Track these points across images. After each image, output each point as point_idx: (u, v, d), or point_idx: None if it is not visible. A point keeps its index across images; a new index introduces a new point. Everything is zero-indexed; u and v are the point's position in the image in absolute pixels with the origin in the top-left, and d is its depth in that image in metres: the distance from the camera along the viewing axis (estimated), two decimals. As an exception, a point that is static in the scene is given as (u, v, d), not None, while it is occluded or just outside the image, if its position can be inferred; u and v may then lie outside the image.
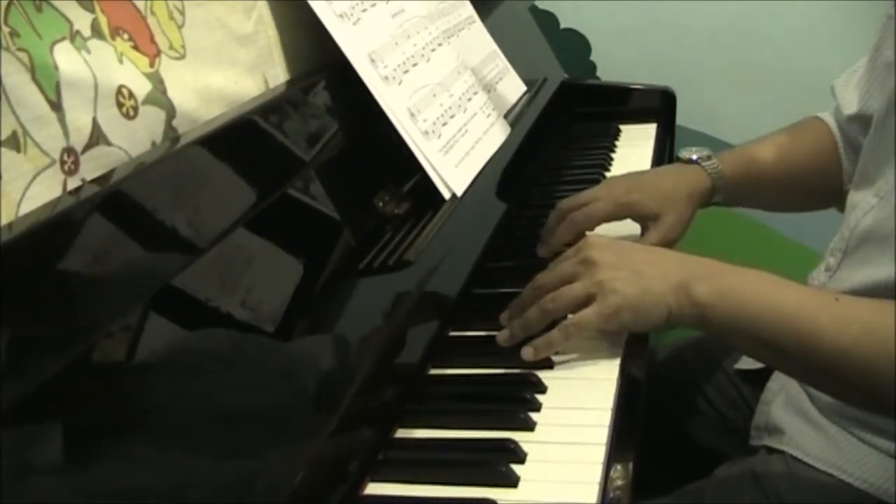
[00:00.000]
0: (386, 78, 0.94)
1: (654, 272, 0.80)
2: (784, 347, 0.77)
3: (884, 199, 0.87)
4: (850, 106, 1.05)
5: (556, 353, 0.83)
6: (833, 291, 0.86)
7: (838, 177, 1.08)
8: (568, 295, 0.82)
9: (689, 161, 1.09)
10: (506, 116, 1.20)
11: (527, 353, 0.81)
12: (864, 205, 0.91)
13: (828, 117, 1.11)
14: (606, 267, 0.81)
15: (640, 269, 0.81)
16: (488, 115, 1.13)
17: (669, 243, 0.99)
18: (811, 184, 1.11)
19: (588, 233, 1.01)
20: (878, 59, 0.98)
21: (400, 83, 0.96)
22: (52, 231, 0.56)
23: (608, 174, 1.31)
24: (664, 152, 1.43)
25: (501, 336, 0.84)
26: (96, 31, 0.69)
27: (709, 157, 1.08)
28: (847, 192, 0.98)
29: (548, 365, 0.82)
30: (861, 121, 1.01)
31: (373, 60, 0.94)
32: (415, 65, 1.01)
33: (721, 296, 0.78)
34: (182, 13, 0.79)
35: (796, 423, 0.91)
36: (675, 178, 1.07)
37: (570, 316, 0.82)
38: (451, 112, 1.04)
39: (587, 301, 0.81)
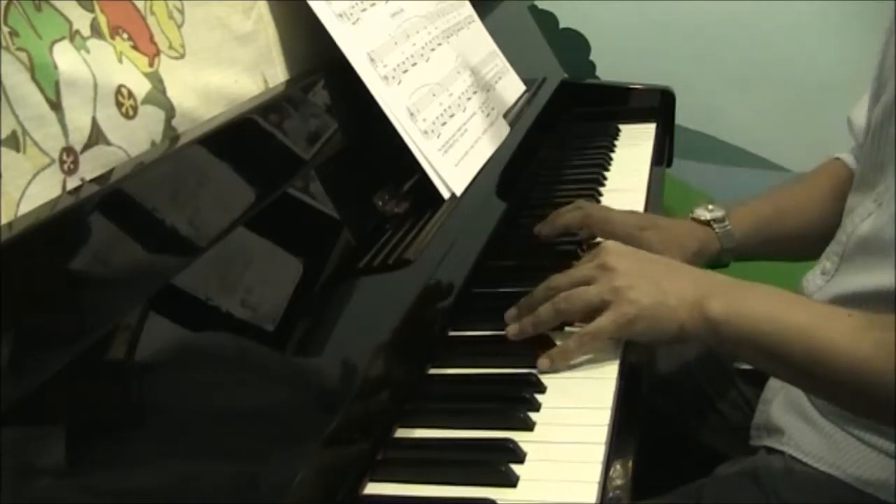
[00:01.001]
0: (385, 77, 0.94)
1: (670, 286, 0.81)
2: (797, 363, 0.77)
3: (882, 206, 0.87)
4: (864, 130, 1.03)
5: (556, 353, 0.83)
6: (843, 308, 0.85)
7: None
8: (583, 298, 0.82)
9: (702, 222, 1.08)
10: (505, 116, 1.20)
11: (543, 364, 0.81)
12: (861, 210, 0.90)
13: (846, 157, 1.10)
14: (624, 274, 0.81)
15: (657, 281, 0.81)
16: (488, 115, 1.13)
17: None
18: (827, 231, 1.07)
19: (604, 240, 1.01)
20: (882, 72, 0.98)
21: (399, 83, 0.96)
22: (51, 230, 0.56)
23: (607, 174, 1.31)
24: (663, 152, 1.44)
25: (511, 330, 0.85)
26: (96, 31, 0.69)
27: (722, 220, 1.07)
28: None
29: (547, 365, 0.82)
30: None
31: (372, 60, 0.94)
32: (414, 64, 1.01)
33: (734, 313, 0.78)
34: (181, 13, 0.79)
35: (796, 422, 0.91)
36: (688, 231, 1.06)
37: (580, 325, 0.82)
38: (451, 112, 1.04)
39: (601, 306, 0.81)
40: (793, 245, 1.11)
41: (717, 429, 1.09)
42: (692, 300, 0.79)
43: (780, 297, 0.80)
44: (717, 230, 1.07)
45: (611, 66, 1.89)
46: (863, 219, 0.90)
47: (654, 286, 0.81)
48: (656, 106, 1.54)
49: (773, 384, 0.98)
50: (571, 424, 0.74)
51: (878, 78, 0.98)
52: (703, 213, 1.08)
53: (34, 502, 0.47)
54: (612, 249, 0.85)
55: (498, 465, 0.68)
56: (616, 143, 1.44)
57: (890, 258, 0.84)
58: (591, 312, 0.82)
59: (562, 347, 0.81)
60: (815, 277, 0.96)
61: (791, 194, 1.13)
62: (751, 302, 0.79)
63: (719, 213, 1.08)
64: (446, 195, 0.96)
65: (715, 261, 1.08)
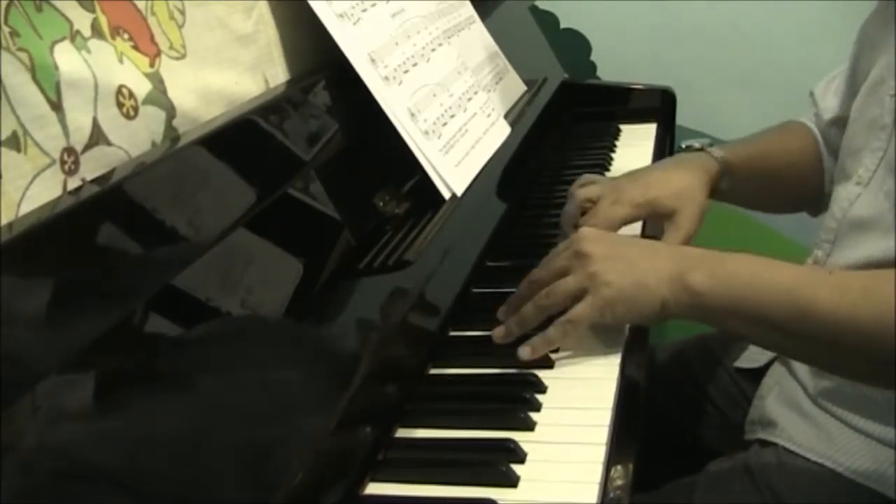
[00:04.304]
0: (386, 78, 0.94)
1: (647, 265, 0.81)
2: (784, 325, 0.77)
3: (868, 187, 0.89)
4: (831, 110, 1.08)
5: (556, 352, 0.83)
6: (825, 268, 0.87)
7: (818, 179, 1.11)
8: (562, 289, 0.82)
9: (695, 149, 1.09)
10: (506, 116, 1.20)
11: (524, 352, 0.81)
12: (846, 194, 0.93)
13: (808, 122, 1.13)
14: (599, 259, 0.81)
15: (633, 261, 0.81)
16: (488, 115, 1.13)
17: (690, 240, 0.99)
18: (793, 183, 1.13)
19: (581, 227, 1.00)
20: (855, 69, 1.01)
21: (400, 83, 0.96)
22: (52, 231, 0.56)
23: (608, 174, 1.31)
24: (664, 152, 1.43)
25: (497, 333, 0.84)
26: (96, 31, 0.69)
27: (712, 146, 1.09)
28: (829, 194, 1.00)
29: (548, 365, 0.82)
30: (841, 123, 1.03)
31: (373, 60, 0.94)
32: (415, 65, 1.01)
33: (717, 281, 0.78)
34: (182, 13, 0.79)
35: (789, 415, 0.92)
36: (684, 169, 1.05)
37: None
38: (452, 112, 1.04)
39: (581, 294, 0.81)
40: (769, 187, 1.13)
41: (716, 426, 1.09)
42: (671, 276, 0.79)
43: (759, 262, 0.80)
44: (713, 154, 1.07)
45: (611, 67, 1.90)
46: (850, 202, 0.92)
47: (630, 267, 0.81)
48: (657, 106, 1.54)
49: (768, 380, 0.99)
50: (572, 425, 0.74)
51: (851, 75, 1.00)
52: (694, 143, 1.10)
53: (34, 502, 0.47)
54: (586, 236, 0.85)
55: (499, 465, 0.68)
56: (617, 143, 1.44)
57: (876, 231, 0.86)
58: (574, 301, 0.82)
59: (543, 336, 0.81)
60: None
61: (770, 140, 1.15)
62: (733, 269, 0.79)
63: (707, 141, 1.10)
64: (447, 195, 0.96)
65: (716, 185, 1.07)
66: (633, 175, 1.06)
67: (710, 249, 0.82)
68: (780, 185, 1.13)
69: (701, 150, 1.09)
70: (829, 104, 1.09)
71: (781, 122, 1.17)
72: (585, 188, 1.03)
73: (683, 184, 1.02)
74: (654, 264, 0.81)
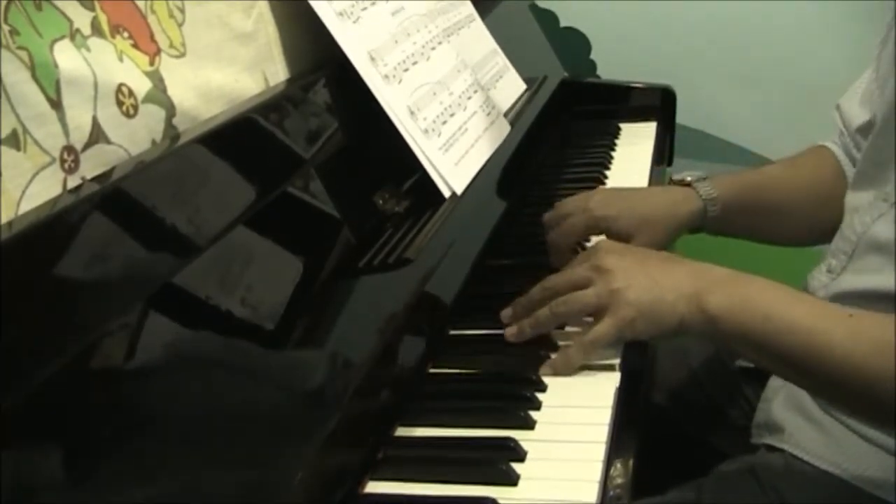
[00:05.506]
0: (386, 76, 0.94)
1: (668, 281, 0.80)
2: (795, 360, 0.77)
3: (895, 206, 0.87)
4: (860, 117, 1.03)
5: (556, 350, 0.83)
6: (845, 307, 0.85)
7: (834, 209, 1.05)
8: (580, 301, 0.82)
9: (682, 183, 1.07)
10: (506, 115, 1.20)
11: (545, 373, 0.81)
12: (870, 209, 0.90)
13: (832, 146, 1.09)
14: (620, 276, 0.81)
15: (654, 277, 0.81)
16: (488, 114, 1.13)
17: None
18: (809, 214, 1.09)
19: (601, 237, 1.00)
20: (881, 65, 0.98)
21: (400, 81, 0.96)
22: (51, 229, 0.56)
23: (608, 172, 1.31)
24: (664, 151, 1.43)
25: (510, 332, 0.85)
26: (96, 30, 0.69)
27: (703, 179, 1.06)
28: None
29: (548, 363, 0.82)
30: (871, 130, 1.00)
31: (373, 59, 0.94)
32: (415, 63, 1.01)
33: (733, 307, 0.78)
34: (182, 11, 0.79)
35: (796, 420, 0.91)
36: (659, 200, 1.05)
37: (582, 328, 0.82)
38: (451, 110, 1.04)
39: (599, 309, 0.81)
40: (772, 221, 1.11)
41: (721, 428, 1.09)
42: (690, 294, 0.79)
43: (779, 293, 0.80)
44: (698, 189, 1.05)
45: (611, 65, 1.90)
46: (874, 219, 0.89)
47: (651, 283, 0.80)
48: (657, 105, 1.54)
49: (775, 383, 0.98)
50: (572, 423, 0.74)
51: (878, 76, 0.98)
52: (683, 176, 1.07)
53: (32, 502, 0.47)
54: (607, 248, 0.85)
55: (498, 463, 0.68)
56: (617, 141, 1.44)
57: None
58: (590, 314, 0.82)
59: (563, 355, 0.81)
60: (820, 275, 0.96)
61: (777, 170, 1.12)
62: (751, 296, 0.79)
63: (700, 174, 1.06)
64: (447, 194, 0.96)
65: (695, 223, 1.05)
66: (611, 189, 1.04)
67: (732, 271, 0.82)
68: (787, 217, 1.10)
69: (688, 185, 1.06)
70: (857, 111, 1.04)
71: (803, 150, 1.12)
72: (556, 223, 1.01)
73: (649, 215, 1.01)
74: (673, 281, 0.80)
